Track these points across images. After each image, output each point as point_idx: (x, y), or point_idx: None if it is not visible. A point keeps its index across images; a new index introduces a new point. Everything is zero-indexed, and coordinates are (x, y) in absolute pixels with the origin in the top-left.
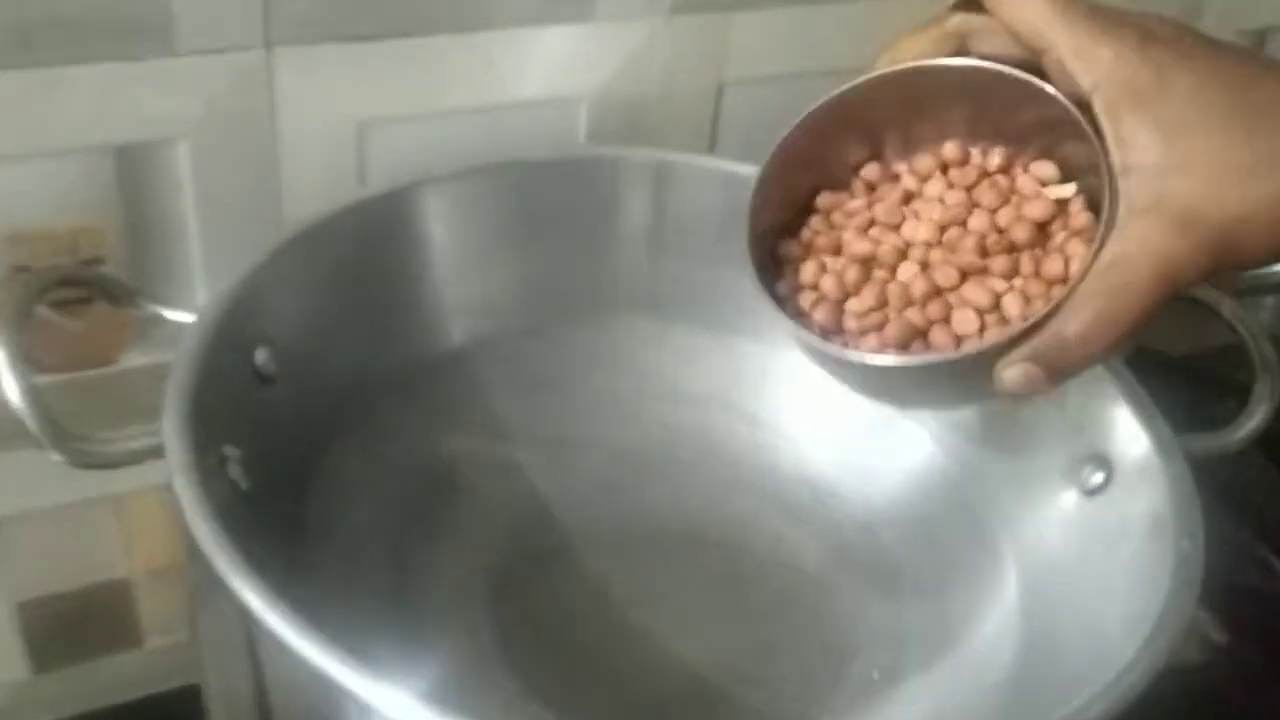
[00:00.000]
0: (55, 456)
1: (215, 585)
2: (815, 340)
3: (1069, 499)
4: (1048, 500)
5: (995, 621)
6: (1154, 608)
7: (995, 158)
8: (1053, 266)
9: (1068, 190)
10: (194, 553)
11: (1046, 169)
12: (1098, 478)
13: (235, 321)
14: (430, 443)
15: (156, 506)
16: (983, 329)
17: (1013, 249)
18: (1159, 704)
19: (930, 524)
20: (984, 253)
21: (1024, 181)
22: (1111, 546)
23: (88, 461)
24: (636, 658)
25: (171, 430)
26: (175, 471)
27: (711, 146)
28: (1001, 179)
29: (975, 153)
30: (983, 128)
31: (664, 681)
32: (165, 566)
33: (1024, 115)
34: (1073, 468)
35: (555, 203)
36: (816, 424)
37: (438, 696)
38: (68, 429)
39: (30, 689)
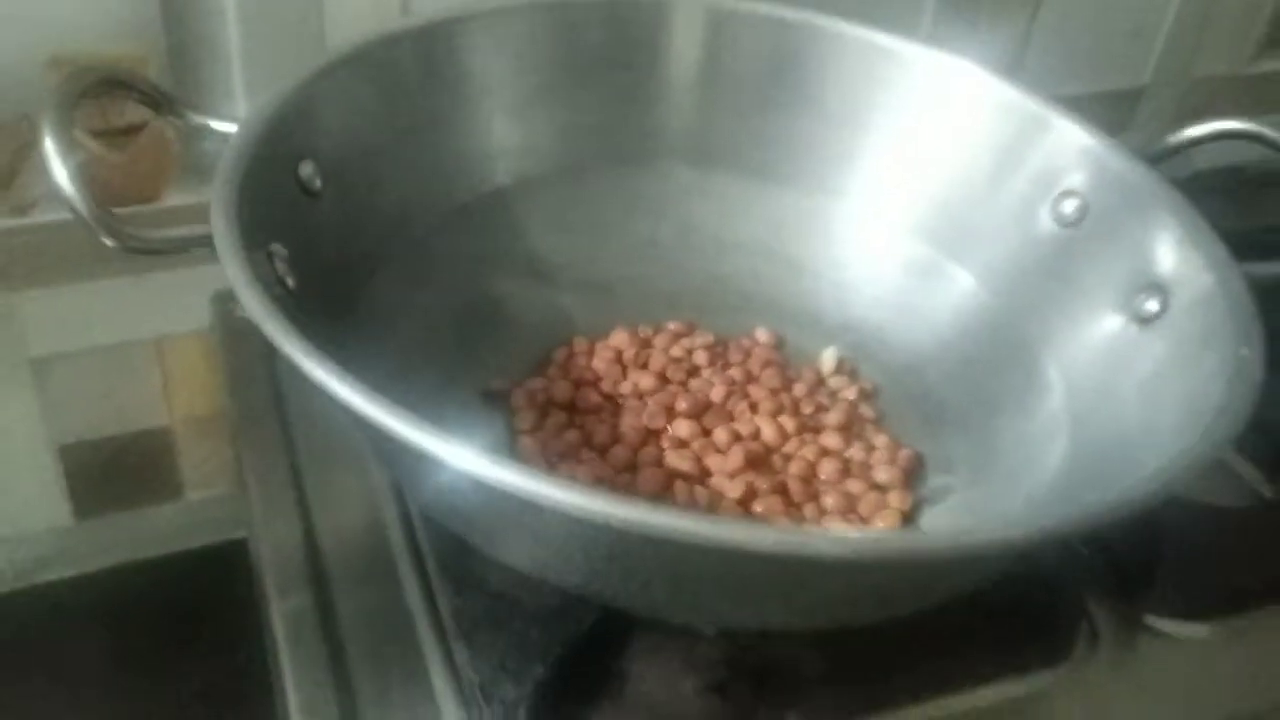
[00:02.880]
0: (106, 240)
1: (260, 422)
2: None
3: (1122, 327)
4: (1099, 330)
5: (1041, 440)
6: (1210, 404)
7: None
8: None
9: None
10: (235, 390)
11: None
12: (1153, 305)
13: (280, 131)
14: (472, 279)
15: (197, 354)
16: None
17: None
18: (1195, 538)
19: (978, 362)
20: None
21: None
22: (1166, 371)
23: (134, 245)
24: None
25: (220, 214)
26: (224, 252)
27: None
28: None
29: None
30: None
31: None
32: (206, 416)
33: None
34: (1126, 297)
35: (602, 44)
36: (859, 270)
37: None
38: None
39: (72, 535)
